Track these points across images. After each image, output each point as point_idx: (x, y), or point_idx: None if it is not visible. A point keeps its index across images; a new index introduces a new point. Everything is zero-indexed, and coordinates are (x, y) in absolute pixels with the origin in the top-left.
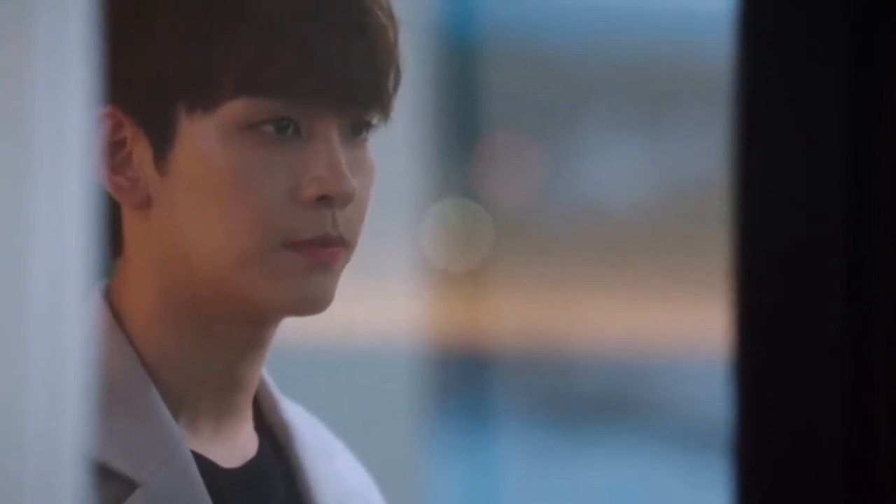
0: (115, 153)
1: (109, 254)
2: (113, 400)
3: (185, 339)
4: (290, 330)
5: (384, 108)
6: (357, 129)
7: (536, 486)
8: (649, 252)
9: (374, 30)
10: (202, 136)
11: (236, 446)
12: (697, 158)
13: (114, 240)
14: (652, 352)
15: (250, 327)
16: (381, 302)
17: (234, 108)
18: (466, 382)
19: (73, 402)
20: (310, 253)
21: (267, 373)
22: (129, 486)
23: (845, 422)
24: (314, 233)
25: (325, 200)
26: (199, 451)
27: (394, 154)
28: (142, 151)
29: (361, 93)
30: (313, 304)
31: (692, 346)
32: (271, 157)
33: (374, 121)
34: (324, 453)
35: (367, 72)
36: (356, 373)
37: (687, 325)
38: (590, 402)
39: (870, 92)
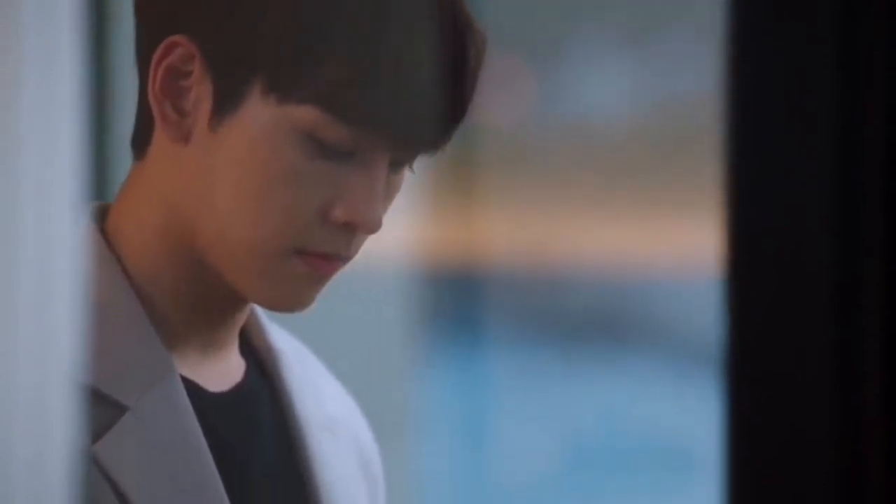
0: (176, 81)
1: (133, 150)
2: (103, 324)
3: (175, 274)
4: None
5: (442, 148)
6: (409, 162)
7: (528, 404)
8: (642, 170)
9: (466, 83)
10: (265, 122)
11: (224, 371)
12: (689, 74)
13: (142, 138)
14: (644, 270)
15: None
16: None
17: (307, 114)
18: (459, 302)
19: (63, 326)
20: (315, 264)
21: None
22: (118, 410)
23: (836, 336)
24: (327, 249)
25: (350, 226)
26: (188, 375)
27: None
28: (202, 95)
29: (433, 140)
30: (298, 307)
31: (684, 264)
32: (318, 171)
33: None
34: (309, 379)
35: (445, 125)
36: (348, 292)
37: (679, 242)
38: (582, 320)
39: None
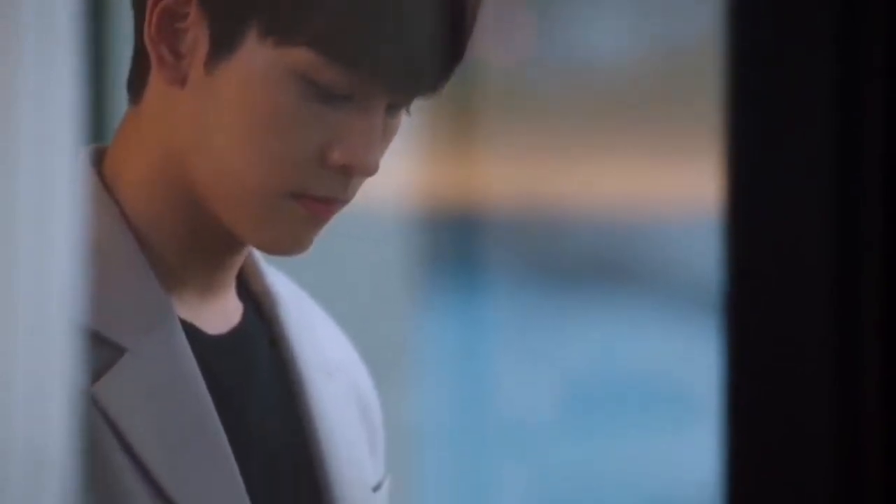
0: (172, 22)
1: (129, 93)
2: (101, 267)
3: (172, 216)
4: None
5: (437, 93)
6: (406, 105)
7: (527, 347)
8: (642, 113)
9: (465, 24)
10: (262, 65)
11: (221, 314)
12: (691, 17)
13: (137, 82)
14: (643, 213)
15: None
16: None
17: (304, 56)
18: (458, 244)
19: (62, 268)
20: (313, 208)
21: None
22: (117, 351)
23: (836, 277)
24: (325, 193)
25: (347, 169)
26: (186, 318)
27: None
28: (198, 37)
29: (431, 82)
30: (294, 250)
31: (684, 208)
32: (315, 115)
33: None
34: (307, 323)
35: (443, 67)
36: (347, 234)
37: (679, 186)
38: (581, 263)
39: None
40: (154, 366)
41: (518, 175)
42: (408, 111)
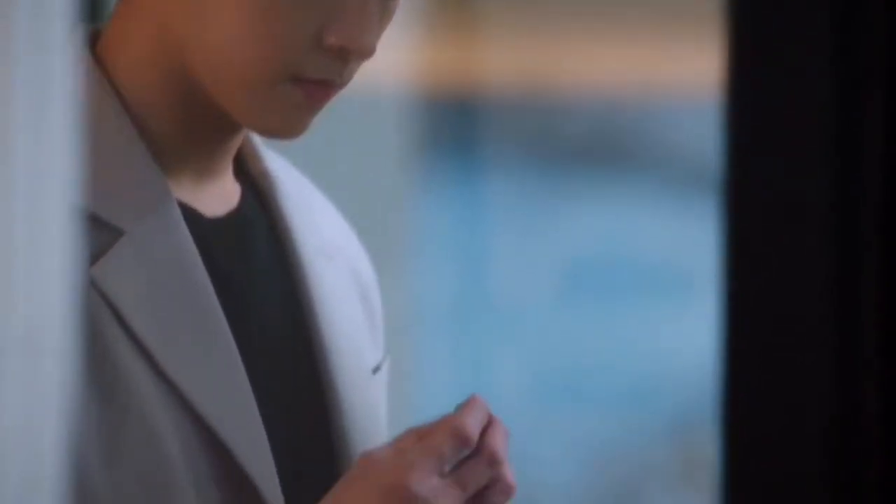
0: None
1: None
2: (97, 148)
3: (169, 101)
4: None
5: None
6: None
7: (526, 229)
8: None
9: None
10: None
11: (219, 196)
12: None
13: None
14: (644, 94)
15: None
16: None
17: None
18: (457, 127)
19: (58, 149)
20: (310, 92)
21: None
22: (115, 233)
23: (834, 155)
24: (322, 76)
25: (344, 51)
26: (184, 200)
27: None
28: None
29: None
30: (290, 134)
31: (685, 88)
32: None
33: None
34: (305, 205)
35: None
36: (346, 118)
37: (680, 66)
38: (580, 145)
39: None
40: (152, 247)
41: (517, 56)
42: None
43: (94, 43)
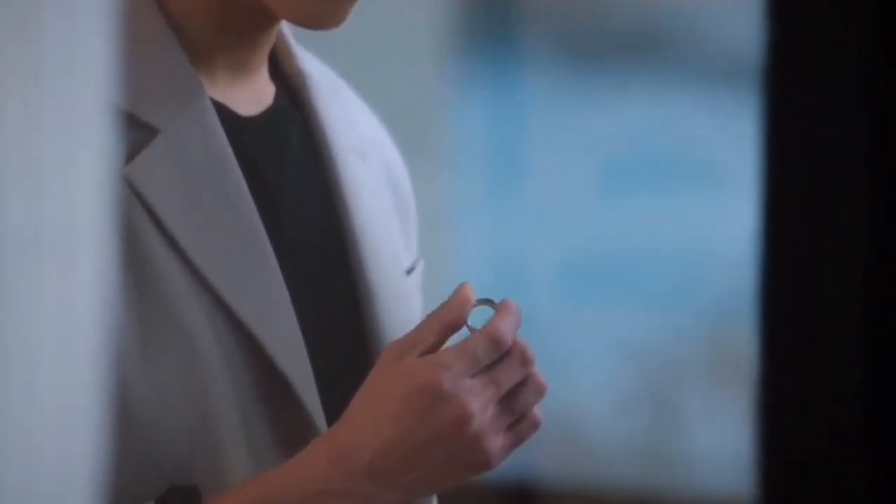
0: None
1: None
2: (131, 47)
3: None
4: None
5: None
6: None
7: (564, 125)
8: None
9: None
10: None
11: (253, 95)
12: None
13: None
14: None
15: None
16: None
17: None
18: (491, 23)
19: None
20: None
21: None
22: (150, 132)
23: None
24: None
25: None
26: (218, 98)
27: None
28: None
29: None
30: (330, 22)
31: None
32: None
33: None
34: (338, 103)
35: None
36: (379, 15)
37: None
38: (617, 38)
39: None
40: (186, 146)
41: None
42: None
43: None
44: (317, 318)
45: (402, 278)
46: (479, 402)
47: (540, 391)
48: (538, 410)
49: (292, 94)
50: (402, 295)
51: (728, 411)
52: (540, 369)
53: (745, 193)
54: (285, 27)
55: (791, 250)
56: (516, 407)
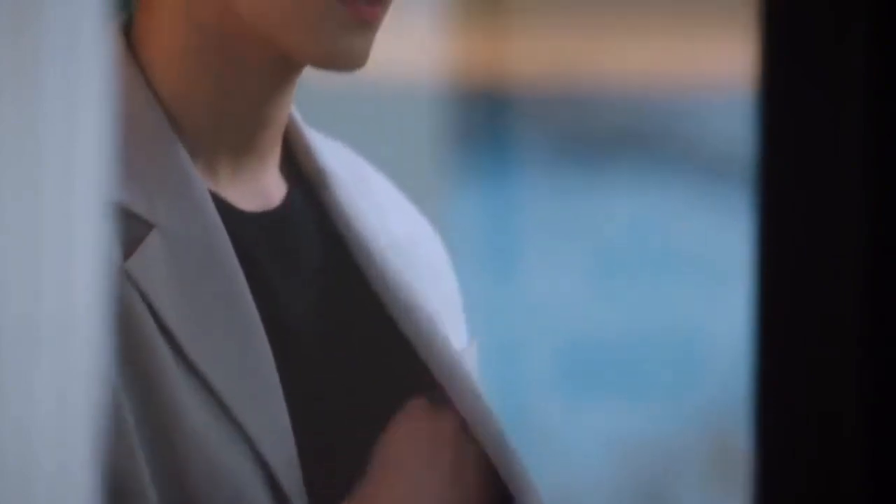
0: None
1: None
2: (129, 140)
3: (207, 79)
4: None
5: None
6: None
7: (557, 222)
8: None
9: None
10: None
11: (257, 190)
12: None
13: None
14: (676, 87)
15: (278, 68)
16: (403, 38)
17: None
18: (489, 118)
19: (90, 142)
20: (361, 11)
21: (298, 114)
22: (146, 226)
23: (866, 149)
24: None
25: None
26: (219, 193)
27: None
28: None
29: None
30: (353, 62)
31: (717, 81)
32: None
33: None
34: (367, 195)
35: None
36: (380, 109)
37: (712, 58)
38: (613, 138)
39: None
40: (183, 240)
41: (550, 49)
42: None
43: (127, 32)
44: (317, 416)
45: (461, 356)
46: None
47: None
48: None
49: (311, 193)
50: (465, 369)
51: None
52: (537, 465)
53: (739, 286)
54: (298, 118)
55: (785, 346)
56: None
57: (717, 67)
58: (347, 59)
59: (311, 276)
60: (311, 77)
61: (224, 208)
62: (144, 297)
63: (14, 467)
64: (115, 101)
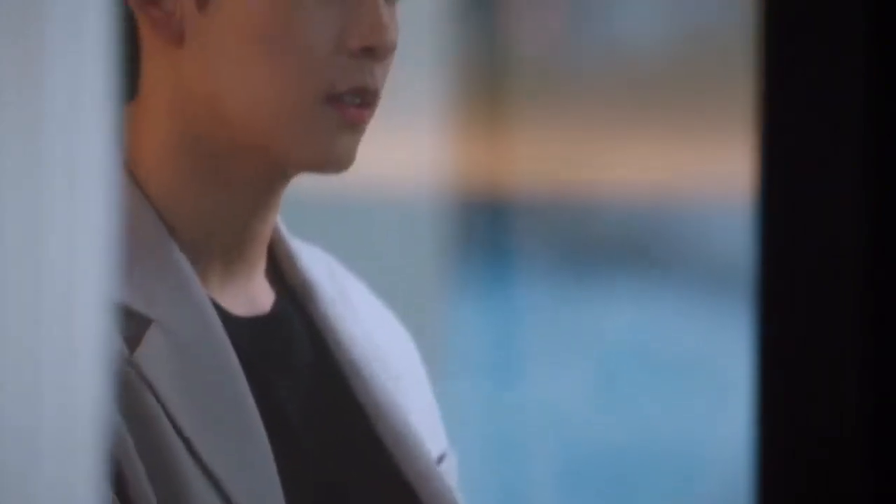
0: None
1: (124, 95)
2: (125, 241)
3: (197, 187)
4: (313, 175)
5: None
6: None
7: (559, 331)
8: (672, 95)
9: None
10: None
11: (245, 297)
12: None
13: (127, 82)
14: (675, 196)
15: (266, 178)
16: (402, 147)
17: None
18: (488, 228)
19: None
20: (348, 113)
21: (282, 223)
22: (145, 323)
23: (867, 261)
24: (355, 83)
25: (368, 52)
26: (211, 296)
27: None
28: None
29: None
30: (339, 163)
31: (716, 190)
32: (318, 4)
33: None
34: (350, 308)
35: None
36: (377, 218)
37: (711, 168)
38: (613, 247)
39: None
40: (182, 335)
41: (549, 159)
42: None
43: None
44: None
45: (436, 466)
46: None
47: None
48: None
49: (296, 302)
50: (442, 482)
51: None
52: None
53: (740, 396)
54: (282, 228)
55: (785, 456)
56: None
57: (717, 175)
58: (337, 162)
59: (303, 378)
60: (310, 186)
61: (218, 312)
62: (153, 389)
63: None
64: (117, 206)
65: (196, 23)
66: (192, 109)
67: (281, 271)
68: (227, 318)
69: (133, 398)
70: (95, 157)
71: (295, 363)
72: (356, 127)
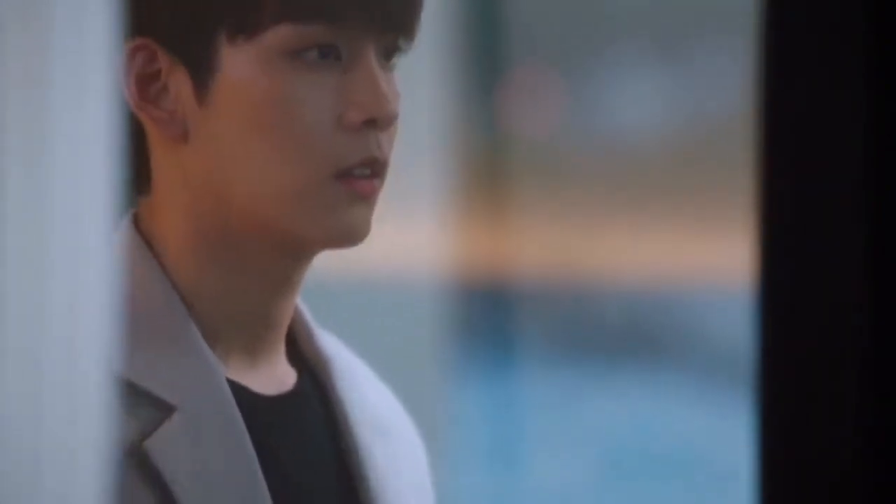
0: (150, 85)
1: (135, 192)
2: (148, 327)
3: (217, 275)
4: (316, 260)
5: (414, 32)
6: (388, 54)
7: (560, 418)
8: (672, 183)
9: None
10: (245, 64)
11: (272, 377)
12: (720, 87)
13: (140, 177)
14: (676, 283)
15: (284, 262)
16: (403, 233)
17: (278, 35)
18: (489, 314)
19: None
20: (357, 186)
21: (301, 302)
22: (167, 409)
23: (867, 346)
24: (362, 156)
25: (369, 124)
26: (235, 378)
27: (416, 86)
28: (179, 82)
29: (397, 16)
30: (355, 236)
31: (717, 278)
32: (314, 84)
33: (403, 46)
34: (355, 383)
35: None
36: (379, 304)
37: (711, 256)
38: (612, 334)
39: None
40: (203, 423)
41: (550, 245)
42: (402, 49)
43: (138, 223)
44: None
45: None
46: None
47: None
48: None
49: (314, 377)
50: None
51: None
52: None
53: (743, 488)
54: (301, 307)
55: None
56: None
57: (718, 264)
58: (353, 235)
59: (318, 453)
60: (310, 272)
61: (241, 393)
62: (161, 477)
63: None
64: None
65: (198, 118)
66: (202, 203)
67: (299, 345)
68: (251, 396)
69: (139, 484)
70: (98, 160)
71: (313, 439)
72: (368, 199)
